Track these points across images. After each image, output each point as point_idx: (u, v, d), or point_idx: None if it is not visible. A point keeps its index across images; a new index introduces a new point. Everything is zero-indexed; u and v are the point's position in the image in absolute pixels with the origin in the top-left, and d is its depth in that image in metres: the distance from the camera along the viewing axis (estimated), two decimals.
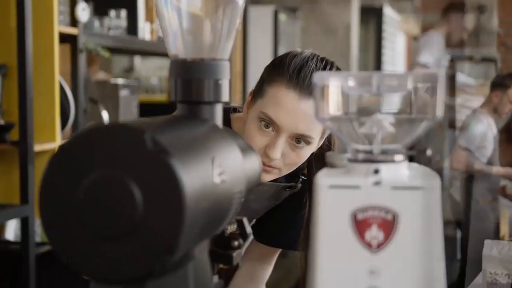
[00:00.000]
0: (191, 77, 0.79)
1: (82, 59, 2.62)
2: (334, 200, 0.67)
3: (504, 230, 4.94)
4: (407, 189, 0.66)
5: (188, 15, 0.80)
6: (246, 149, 0.86)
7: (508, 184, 4.64)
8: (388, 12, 7.28)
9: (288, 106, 1.20)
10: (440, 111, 0.67)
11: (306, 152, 1.25)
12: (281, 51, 5.77)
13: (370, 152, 0.70)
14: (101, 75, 3.91)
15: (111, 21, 2.93)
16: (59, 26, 2.50)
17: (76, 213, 0.61)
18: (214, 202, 0.67)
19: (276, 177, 1.29)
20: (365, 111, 0.73)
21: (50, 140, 2.45)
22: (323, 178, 0.68)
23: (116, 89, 3.05)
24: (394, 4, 8.41)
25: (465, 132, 4.34)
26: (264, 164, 1.24)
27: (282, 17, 5.10)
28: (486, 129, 4.34)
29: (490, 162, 4.44)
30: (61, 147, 0.62)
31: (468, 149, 4.28)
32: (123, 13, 2.98)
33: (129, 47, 3.10)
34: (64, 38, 2.59)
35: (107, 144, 0.61)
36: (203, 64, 0.79)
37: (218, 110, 0.81)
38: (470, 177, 4.44)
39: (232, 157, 0.75)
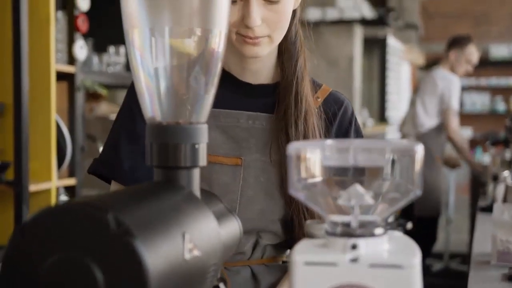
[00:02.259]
0: (167, 141, 0.77)
1: (80, 97, 2.61)
2: (310, 278, 0.65)
3: None
4: (386, 267, 0.63)
5: (164, 76, 0.78)
6: (224, 214, 0.83)
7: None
8: (392, 42, 7.29)
9: None
10: (419, 185, 0.64)
11: (285, 6, 1.15)
12: None
13: (348, 224, 0.68)
14: (104, 107, 3.90)
15: (110, 58, 2.93)
16: (57, 64, 2.50)
17: None
18: (184, 279, 0.65)
19: (269, 47, 1.18)
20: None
21: (46, 179, 2.43)
22: (299, 254, 0.65)
23: None
24: (398, 34, 8.44)
25: (451, 92, 4.28)
26: (250, 37, 1.15)
27: None
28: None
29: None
30: (23, 227, 0.59)
31: (457, 111, 4.26)
32: (123, 49, 2.98)
33: (127, 84, 3.09)
34: (62, 76, 2.58)
35: (70, 224, 0.58)
36: (179, 128, 0.77)
37: (195, 175, 0.78)
38: (429, 134, 4.39)
39: (207, 227, 0.72)
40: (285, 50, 1.25)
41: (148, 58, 0.77)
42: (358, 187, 0.68)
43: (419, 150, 0.65)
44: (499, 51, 9.67)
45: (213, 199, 0.84)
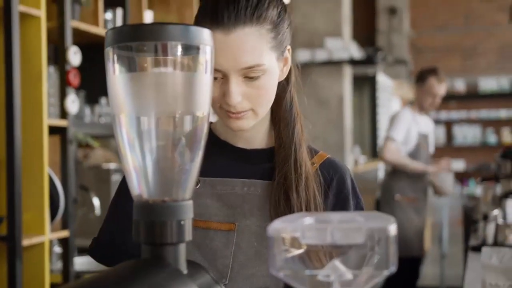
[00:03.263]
0: (154, 219, 0.80)
1: (72, 150, 2.65)
2: None
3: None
4: None
5: (150, 157, 0.81)
6: (210, 285, 0.86)
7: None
8: (382, 79, 7.38)
9: (219, 46, 1.10)
10: (393, 263, 0.68)
11: (267, 81, 1.16)
12: None
13: None
14: (99, 153, 3.93)
15: (102, 108, 2.97)
16: (49, 118, 2.53)
17: None
18: None
19: (254, 120, 1.18)
20: None
21: (39, 233, 2.45)
22: None
23: (108, 174, 3.07)
24: (388, 69, 8.54)
25: (393, 123, 4.37)
26: (232, 113, 1.16)
27: None
28: (410, 124, 4.34)
29: (412, 158, 4.41)
30: None
31: (395, 140, 4.28)
32: None
33: None
34: (54, 129, 2.62)
35: None
36: (165, 206, 0.80)
37: (182, 250, 0.81)
38: (393, 173, 4.40)
39: None
40: (281, 119, 1.25)
41: (135, 140, 0.81)
42: (337, 263, 0.71)
43: (392, 229, 0.68)
44: (488, 84, 9.79)
45: (200, 271, 0.87)
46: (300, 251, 0.72)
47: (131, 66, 0.82)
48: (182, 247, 0.81)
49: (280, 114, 1.25)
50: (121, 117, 0.80)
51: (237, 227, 1.21)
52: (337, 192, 1.27)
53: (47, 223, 2.46)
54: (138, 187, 0.82)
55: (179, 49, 0.79)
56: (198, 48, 0.80)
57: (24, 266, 2.35)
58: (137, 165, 0.81)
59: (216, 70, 1.12)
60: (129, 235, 1.22)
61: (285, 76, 1.25)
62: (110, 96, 0.82)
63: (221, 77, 1.14)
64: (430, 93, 4.35)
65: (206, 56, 0.80)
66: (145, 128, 0.80)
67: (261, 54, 1.14)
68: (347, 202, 1.27)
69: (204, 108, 0.82)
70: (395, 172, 4.34)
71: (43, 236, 2.45)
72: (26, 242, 2.36)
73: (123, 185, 1.29)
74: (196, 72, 0.80)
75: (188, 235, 0.81)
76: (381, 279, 0.71)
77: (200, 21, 1.16)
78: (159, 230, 0.80)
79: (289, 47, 1.23)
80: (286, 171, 1.22)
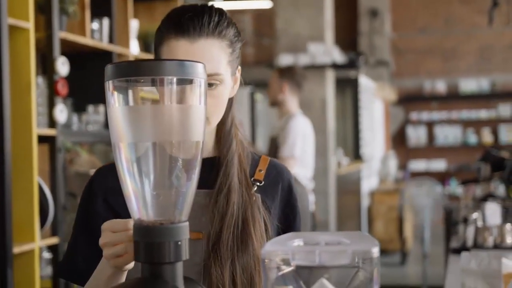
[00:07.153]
0: (153, 240, 0.86)
1: (60, 158, 2.69)
2: None
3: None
4: None
5: (148, 183, 0.87)
6: None
7: None
8: (364, 81, 7.46)
9: (183, 53, 1.19)
10: (376, 282, 0.74)
11: (222, 91, 1.22)
12: (259, 130, 5.92)
13: None
14: (84, 157, 3.93)
15: (89, 116, 3.02)
16: (38, 128, 2.58)
17: None
18: None
19: (208, 129, 1.18)
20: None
21: (29, 240, 2.49)
22: None
23: None
24: (370, 71, 8.63)
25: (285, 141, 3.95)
26: None
27: (258, 97, 5.25)
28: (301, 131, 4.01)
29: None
30: None
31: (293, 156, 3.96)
32: (101, 108, 3.07)
33: (107, 141, 3.17)
34: (43, 138, 2.66)
35: None
36: (163, 227, 0.86)
37: (179, 268, 0.87)
38: None
39: None
40: (222, 141, 1.30)
41: (134, 167, 0.86)
42: (325, 281, 0.77)
43: (375, 251, 0.74)
44: (468, 85, 9.93)
45: (196, 286, 0.93)
46: (290, 269, 0.78)
47: (129, 99, 0.88)
48: (179, 266, 0.87)
49: (220, 134, 1.30)
50: (121, 145, 0.86)
51: (204, 235, 1.22)
52: (285, 196, 1.34)
53: (37, 230, 2.51)
54: (138, 211, 0.88)
55: (175, 82, 0.85)
56: (192, 81, 0.86)
57: (15, 273, 2.39)
58: (136, 190, 0.87)
59: None
60: (89, 255, 1.22)
61: (234, 94, 1.31)
62: (110, 126, 0.87)
63: None
64: None
65: (200, 89, 0.86)
66: (143, 155, 0.86)
67: (221, 64, 1.22)
68: (295, 208, 1.35)
69: (198, 135, 0.88)
70: None
71: (33, 243, 2.50)
72: (16, 249, 2.40)
73: (82, 201, 1.31)
74: (191, 103, 0.86)
75: (185, 254, 0.87)
76: None
77: (163, 32, 1.23)
78: (157, 251, 0.86)
79: (239, 68, 1.31)
80: (229, 184, 1.26)
